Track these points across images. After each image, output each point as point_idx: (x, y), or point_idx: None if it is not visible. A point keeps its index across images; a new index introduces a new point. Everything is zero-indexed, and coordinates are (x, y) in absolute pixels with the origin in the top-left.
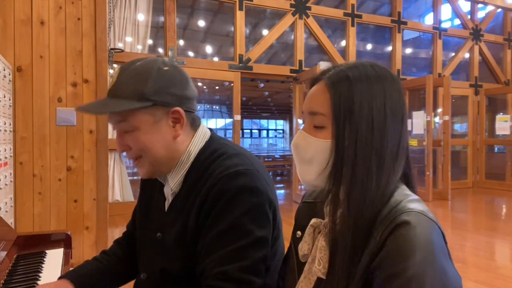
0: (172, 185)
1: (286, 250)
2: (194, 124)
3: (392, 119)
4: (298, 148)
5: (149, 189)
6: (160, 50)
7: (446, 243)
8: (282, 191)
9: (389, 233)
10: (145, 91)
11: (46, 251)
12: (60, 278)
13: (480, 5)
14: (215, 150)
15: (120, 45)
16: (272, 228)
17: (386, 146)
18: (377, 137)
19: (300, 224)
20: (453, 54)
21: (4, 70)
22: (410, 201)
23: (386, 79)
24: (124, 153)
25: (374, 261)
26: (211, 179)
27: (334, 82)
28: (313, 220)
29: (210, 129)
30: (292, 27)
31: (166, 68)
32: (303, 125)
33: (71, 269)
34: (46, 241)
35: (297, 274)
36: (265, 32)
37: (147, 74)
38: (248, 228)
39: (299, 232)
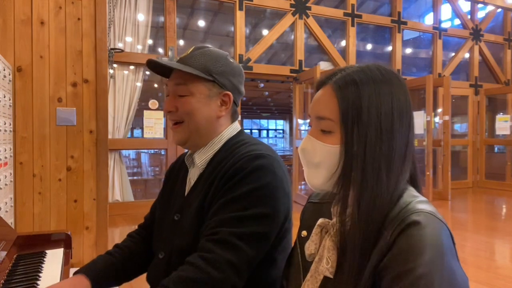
0: (198, 162)
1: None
2: (234, 116)
3: (400, 123)
4: (306, 153)
5: (174, 177)
6: (160, 50)
7: (454, 244)
8: None
9: (399, 232)
10: (212, 69)
11: (46, 251)
12: (75, 273)
13: (480, 5)
14: (242, 140)
15: (120, 45)
16: (284, 220)
17: (394, 150)
18: (385, 142)
19: (306, 224)
20: (453, 54)
21: (4, 70)
22: (419, 202)
23: (393, 83)
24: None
25: (383, 260)
26: (233, 158)
27: (341, 87)
28: (321, 220)
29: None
30: (292, 27)
31: (232, 61)
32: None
33: (85, 264)
34: (46, 241)
35: (302, 273)
36: (265, 32)
37: (217, 58)
38: (253, 203)
39: (304, 232)
